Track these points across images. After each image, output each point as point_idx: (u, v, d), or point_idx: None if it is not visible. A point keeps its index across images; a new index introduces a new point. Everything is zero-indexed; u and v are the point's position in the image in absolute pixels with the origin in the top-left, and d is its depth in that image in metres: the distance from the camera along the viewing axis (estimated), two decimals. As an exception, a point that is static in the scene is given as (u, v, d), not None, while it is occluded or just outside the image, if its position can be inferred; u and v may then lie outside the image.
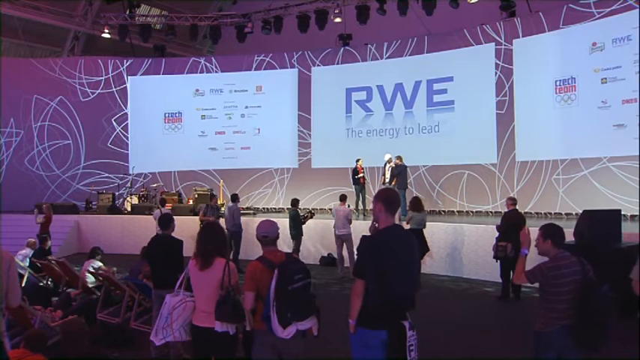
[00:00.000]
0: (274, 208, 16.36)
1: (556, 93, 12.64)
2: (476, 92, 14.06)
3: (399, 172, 12.38)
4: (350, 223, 10.30)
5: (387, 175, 12.78)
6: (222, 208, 14.19)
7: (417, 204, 9.39)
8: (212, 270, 3.78)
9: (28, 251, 9.44)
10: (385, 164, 12.99)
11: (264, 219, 3.92)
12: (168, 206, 13.86)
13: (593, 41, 11.98)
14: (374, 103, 15.64)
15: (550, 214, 12.52)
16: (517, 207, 8.83)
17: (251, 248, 11.24)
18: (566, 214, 12.16)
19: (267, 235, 3.71)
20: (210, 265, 3.79)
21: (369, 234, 3.44)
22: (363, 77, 15.67)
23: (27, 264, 9.01)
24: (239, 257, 10.83)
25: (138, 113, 17.21)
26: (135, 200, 15.12)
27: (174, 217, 5.87)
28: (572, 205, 12.05)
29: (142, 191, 15.50)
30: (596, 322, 3.56)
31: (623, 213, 9.33)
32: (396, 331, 3.19)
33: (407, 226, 8.81)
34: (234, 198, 11.52)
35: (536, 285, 3.91)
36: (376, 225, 3.41)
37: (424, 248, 9.11)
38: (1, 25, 16.04)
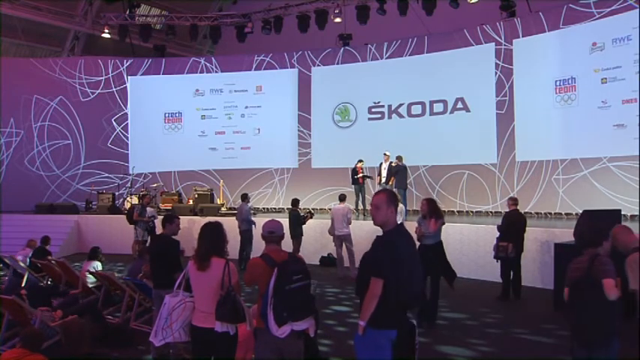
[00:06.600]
0: (274, 208, 16.35)
1: (556, 93, 12.63)
2: (476, 92, 14.06)
3: (397, 171, 12.31)
4: (349, 223, 10.27)
5: (384, 175, 12.72)
6: (223, 208, 14.23)
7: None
8: (210, 270, 3.77)
9: (28, 251, 9.43)
10: (381, 163, 12.92)
11: (270, 218, 3.94)
12: (167, 205, 13.85)
13: (593, 41, 11.98)
14: (374, 104, 15.64)
15: (550, 214, 12.52)
16: (518, 207, 8.83)
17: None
18: (566, 214, 12.17)
19: (274, 231, 3.74)
20: (207, 266, 3.77)
21: (373, 235, 3.44)
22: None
23: (27, 264, 9.00)
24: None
25: (138, 113, 17.21)
26: (135, 200, 15.07)
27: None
28: (572, 205, 12.05)
29: (142, 191, 15.47)
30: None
31: (623, 213, 9.35)
32: (407, 330, 3.20)
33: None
34: (244, 197, 11.69)
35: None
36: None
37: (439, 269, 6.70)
38: (1, 25, 16.05)
